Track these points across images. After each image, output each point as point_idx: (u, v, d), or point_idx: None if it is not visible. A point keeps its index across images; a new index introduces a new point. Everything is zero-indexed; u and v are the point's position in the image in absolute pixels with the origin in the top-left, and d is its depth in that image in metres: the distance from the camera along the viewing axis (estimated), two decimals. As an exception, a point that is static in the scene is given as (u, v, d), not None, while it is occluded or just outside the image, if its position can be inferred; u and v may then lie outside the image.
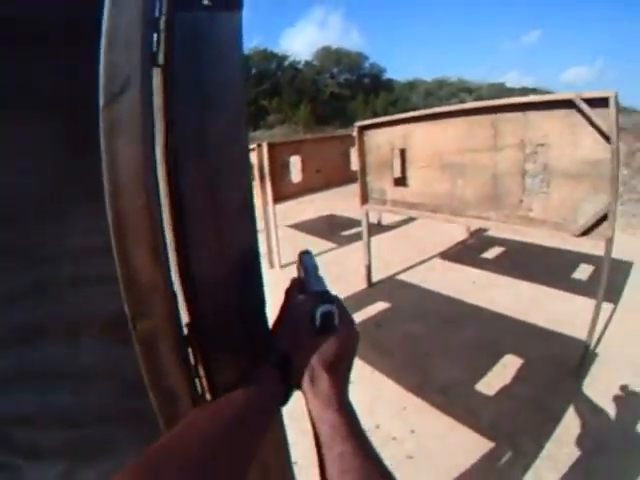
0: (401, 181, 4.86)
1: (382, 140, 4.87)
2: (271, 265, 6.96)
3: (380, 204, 5.13)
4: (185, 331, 0.67)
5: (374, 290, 5.43)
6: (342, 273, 6.12)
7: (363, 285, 5.54)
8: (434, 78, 40.44)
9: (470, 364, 3.57)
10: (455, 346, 3.89)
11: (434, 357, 3.74)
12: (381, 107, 28.68)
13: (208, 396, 0.71)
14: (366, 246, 5.48)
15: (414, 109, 5.72)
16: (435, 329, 4.23)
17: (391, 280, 5.71)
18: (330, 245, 7.85)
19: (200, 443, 0.52)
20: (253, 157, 6.64)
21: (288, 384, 0.67)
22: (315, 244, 8.03)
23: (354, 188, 5.39)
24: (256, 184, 6.74)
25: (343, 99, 30.42)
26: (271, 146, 6.49)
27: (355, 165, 6.06)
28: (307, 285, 0.80)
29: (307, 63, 33.16)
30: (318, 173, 7.24)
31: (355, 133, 5.21)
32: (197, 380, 0.70)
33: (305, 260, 0.88)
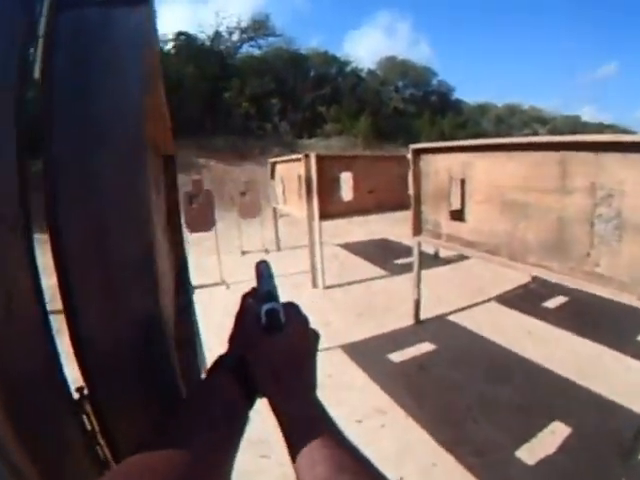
0: (458, 215, 4.75)
1: (440, 167, 4.78)
2: (314, 285, 7.00)
3: (434, 237, 5.04)
4: (76, 396, 0.65)
5: (421, 328, 5.36)
6: (390, 305, 6.08)
7: (410, 321, 5.47)
8: (505, 103, 39.61)
9: (513, 425, 3.42)
10: (499, 403, 3.74)
11: (474, 412, 3.61)
12: (449, 129, 28.20)
13: (113, 464, 0.69)
14: (416, 279, 5.41)
15: (484, 135, 5.65)
16: (480, 380, 4.10)
17: (440, 319, 5.61)
18: (380, 272, 7.81)
19: None
20: (300, 168, 6.72)
21: (248, 386, 0.68)
22: (365, 269, 8.02)
23: (410, 215, 5.39)
24: (302, 196, 6.82)
25: (407, 116, 30.10)
26: (320, 158, 6.54)
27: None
28: (259, 290, 0.83)
29: (370, 72, 33.03)
30: (371, 194, 7.25)
31: (410, 156, 5.15)
32: (98, 448, 0.68)
33: (261, 269, 0.89)
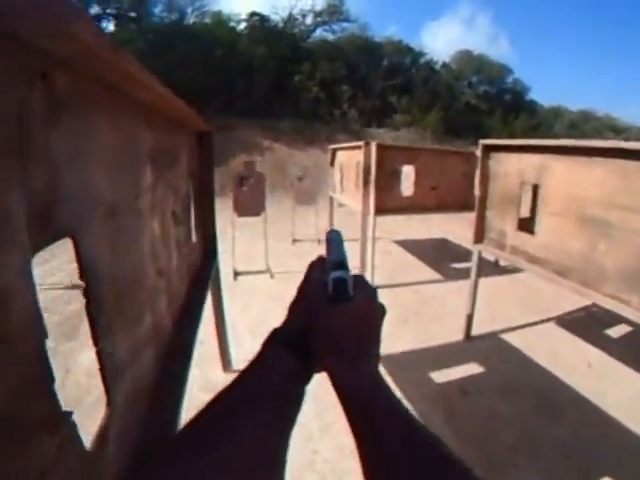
0: (527, 225, 4.24)
1: (512, 168, 4.27)
2: None
3: (497, 247, 4.56)
4: None
5: (470, 346, 4.91)
6: (440, 315, 5.67)
7: (459, 336, 5.04)
8: (580, 109, 37.75)
9: (555, 475, 3.01)
10: (544, 445, 3.30)
11: (516, 453, 3.20)
12: (521, 130, 27.03)
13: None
14: (472, 292, 4.93)
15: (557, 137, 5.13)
16: (528, 414, 3.65)
17: (492, 337, 5.14)
18: (435, 276, 7.36)
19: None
20: (359, 156, 6.35)
21: (306, 359, 0.66)
22: (418, 270, 7.60)
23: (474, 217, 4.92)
24: (359, 187, 6.45)
25: (479, 113, 29.15)
26: (381, 148, 6.15)
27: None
28: (328, 259, 0.79)
29: (444, 65, 32.14)
30: (433, 191, 6.80)
31: (479, 153, 4.67)
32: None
33: (332, 236, 0.85)
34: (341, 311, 0.67)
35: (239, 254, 7.57)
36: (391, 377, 4.10)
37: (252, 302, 5.85)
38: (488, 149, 4.60)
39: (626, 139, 32.68)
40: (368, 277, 6.48)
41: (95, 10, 22.37)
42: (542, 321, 5.66)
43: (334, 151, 9.18)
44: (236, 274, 7.13)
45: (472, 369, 4.39)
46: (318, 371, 0.68)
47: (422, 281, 7.05)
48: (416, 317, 5.65)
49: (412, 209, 6.77)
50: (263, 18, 25.33)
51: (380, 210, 6.26)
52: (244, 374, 0.63)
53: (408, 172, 6.75)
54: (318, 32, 27.97)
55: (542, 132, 28.73)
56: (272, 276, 7.01)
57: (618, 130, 36.08)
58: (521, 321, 5.59)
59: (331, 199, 9.62)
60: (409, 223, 10.85)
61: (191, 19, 24.76)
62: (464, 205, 7.05)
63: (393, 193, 6.40)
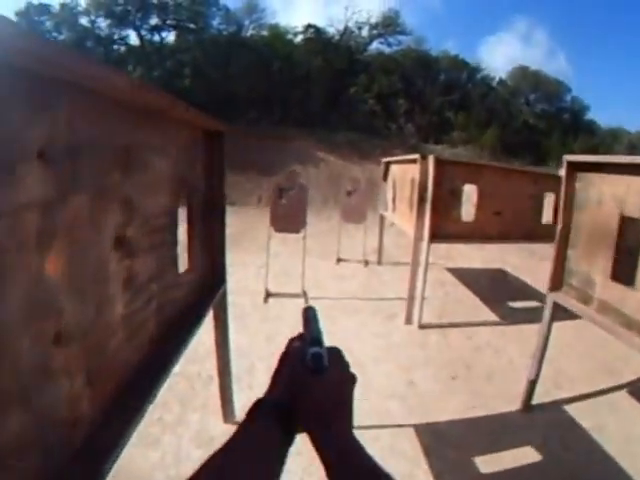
0: (625, 274, 2.97)
1: (607, 194, 3.11)
2: (408, 320, 5.74)
3: (579, 300, 3.35)
4: None
5: (528, 420, 3.78)
6: (495, 370, 4.67)
7: (516, 404, 3.94)
8: (639, 130, 35.58)
9: None
10: None
11: None
12: (580, 151, 25.54)
13: None
14: (539, 354, 3.80)
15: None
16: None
17: (555, 408, 3.99)
18: (490, 316, 6.30)
19: None
20: (414, 171, 5.51)
21: (286, 426, 0.71)
22: (471, 307, 6.62)
23: (540, 248, 3.87)
24: (412, 206, 5.60)
25: (537, 132, 27.76)
26: (440, 163, 5.26)
27: (548, 218, 4.63)
28: (306, 334, 0.85)
29: (501, 81, 30.90)
30: (497, 216, 5.81)
31: (563, 172, 3.56)
32: None
33: (309, 314, 0.91)
34: (318, 382, 0.74)
35: (277, 271, 6.80)
36: (433, 457, 3.20)
37: (279, 332, 5.06)
38: (574, 167, 3.49)
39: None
40: (415, 313, 5.70)
41: (155, 21, 22.46)
42: (614, 388, 4.46)
43: (387, 164, 8.21)
44: (268, 295, 6.36)
45: (527, 455, 3.32)
46: (300, 432, 0.73)
47: (476, 322, 6.04)
48: (467, 372, 4.67)
49: (472, 237, 5.76)
50: (319, 30, 24.90)
51: (435, 236, 5.31)
52: (228, 445, 0.66)
53: (470, 193, 5.80)
54: (374, 45, 27.32)
55: (602, 154, 26.99)
56: (307, 302, 6.16)
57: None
58: (590, 386, 4.41)
59: (382, 217, 8.66)
60: (464, 247, 9.79)
61: (249, 31, 24.56)
62: (529, 234, 6.06)
63: (451, 216, 5.44)
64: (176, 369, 1.95)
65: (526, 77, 30.94)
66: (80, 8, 22.06)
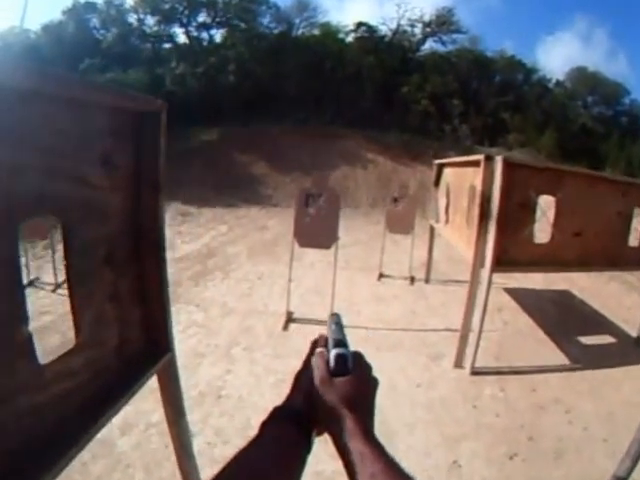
0: None
1: None
2: (457, 363, 4.47)
3: None
4: None
5: None
6: (565, 446, 3.40)
7: None
8: None
9: None
10: None
11: None
12: (637, 157, 23.32)
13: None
14: (636, 449, 2.29)
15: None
16: None
17: None
18: (558, 357, 4.93)
19: None
20: (476, 177, 4.31)
21: (304, 431, 0.71)
22: (537, 345, 5.28)
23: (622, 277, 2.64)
24: (470, 222, 4.36)
25: (595, 136, 25.67)
26: (510, 166, 3.93)
27: (636, 240, 4.34)
28: (330, 337, 0.82)
29: (558, 83, 28.80)
30: (577, 237, 4.43)
31: None
32: None
33: (333, 320, 0.87)
34: (342, 383, 0.71)
35: (307, 287, 5.63)
36: None
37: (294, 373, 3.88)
38: None
39: None
40: (468, 356, 4.45)
41: (203, 18, 21.79)
42: None
43: (440, 167, 6.75)
44: (289, 320, 5.20)
45: None
46: (320, 434, 0.73)
47: (541, 367, 4.67)
48: (529, 447, 3.36)
49: (545, 264, 4.36)
50: (371, 28, 23.57)
51: (500, 262, 3.95)
52: (245, 451, 0.65)
53: (547, 206, 4.44)
54: (428, 45, 25.81)
55: None
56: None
57: None
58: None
59: (432, 229, 7.17)
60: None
61: (299, 30, 23.55)
62: (614, 260, 4.70)
63: (521, 237, 4.10)
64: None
65: (584, 78, 28.89)
66: (127, 6, 21.69)
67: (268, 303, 5.84)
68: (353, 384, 0.72)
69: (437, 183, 6.77)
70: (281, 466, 0.65)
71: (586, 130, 26.38)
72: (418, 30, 25.23)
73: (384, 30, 24.31)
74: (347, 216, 13.19)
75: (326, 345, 0.80)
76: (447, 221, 5.96)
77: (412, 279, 7.16)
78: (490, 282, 4.07)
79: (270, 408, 2.36)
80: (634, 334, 5.48)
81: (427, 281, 7.31)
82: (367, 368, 0.77)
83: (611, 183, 4.94)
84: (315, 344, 0.84)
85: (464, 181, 5.03)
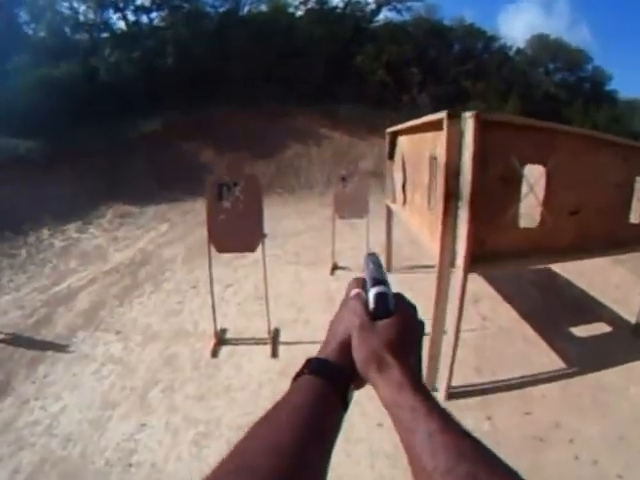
0: None
1: None
2: (429, 385, 3.48)
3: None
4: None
5: None
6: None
7: None
8: None
9: None
10: None
11: None
12: (603, 122, 23.05)
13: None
14: None
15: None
16: None
17: None
18: (551, 359, 4.24)
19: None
20: (436, 142, 3.36)
21: (339, 387, 0.60)
22: (523, 345, 4.51)
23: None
24: (435, 202, 3.40)
25: (558, 102, 25.33)
26: (487, 125, 2.88)
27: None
28: (367, 277, 0.71)
29: (519, 50, 28.36)
30: (574, 217, 3.36)
31: None
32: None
33: (370, 259, 0.76)
34: (384, 326, 0.62)
35: (247, 293, 4.53)
36: None
37: (225, 424, 3.30)
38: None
39: None
40: (441, 376, 3.53)
41: (141, 0, 19.85)
42: None
43: (394, 136, 5.54)
44: (220, 343, 4.16)
45: None
46: (362, 386, 0.64)
47: (532, 377, 3.80)
48: None
49: (536, 254, 3.30)
50: (321, 0, 21.96)
51: (478, 258, 2.88)
52: (279, 405, 0.57)
53: (535, 178, 3.31)
54: (383, 15, 24.52)
55: (624, 125, 24.85)
56: (275, 353, 3.94)
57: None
58: None
59: (389, 210, 5.98)
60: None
61: (246, 7, 21.83)
62: (614, 241, 3.82)
63: (503, 222, 3.00)
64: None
65: (545, 46, 28.63)
66: (55, -7, 19.40)
67: (199, 320, 4.80)
68: (397, 327, 0.62)
69: (391, 155, 5.59)
70: (315, 428, 0.53)
71: (549, 96, 26.04)
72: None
73: (336, 1, 23.03)
74: (301, 198, 12.10)
75: (364, 286, 0.68)
76: (405, 201, 4.78)
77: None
78: (464, 287, 2.95)
79: (188, 478, 2.31)
80: (627, 317, 4.84)
81: (388, 270, 6.00)
82: (411, 308, 0.67)
83: (611, 146, 3.85)
84: (352, 284, 0.71)
85: (423, 150, 3.89)
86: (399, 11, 24.31)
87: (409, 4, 24.21)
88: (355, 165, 6.63)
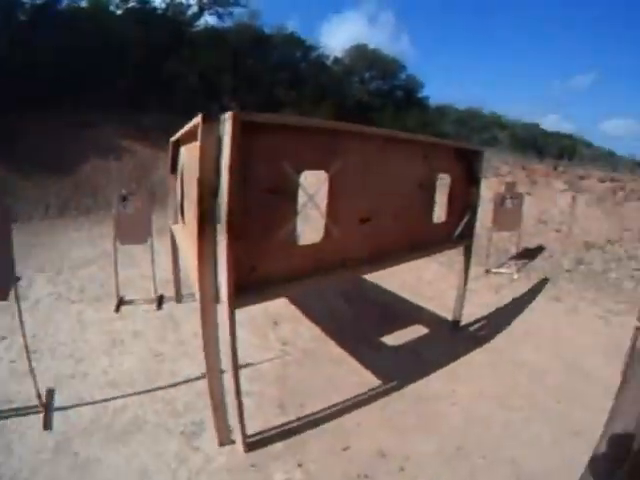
0: None
1: None
2: (222, 439, 2.90)
3: None
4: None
5: None
6: None
7: None
8: (467, 107, 36.87)
9: None
10: None
11: None
12: (413, 127, 24.66)
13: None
14: None
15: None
16: None
17: None
18: (360, 375, 3.86)
19: None
20: (191, 154, 3.06)
21: None
22: (327, 365, 4.11)
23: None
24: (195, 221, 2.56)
25: (371, 109, 26.66)
26: (248, 128, 2.31)
27: (442, 215, 3.88)
28: None
29: (337, 60, 29.29)
30: (365, 225, 2.93)
31: None
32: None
33: None
34: None
35: (22, 347, 3.57)
36: None
37: None
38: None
39: (512, 134, 31.98)
40: (235, 423, 2.85)
41: None
42: None
43: (176, 146, 4.81)
44: None
45: None
46: None
47: (345, 402, 3.48)
48: None
49: (324, 272, 2.85)
50: (143, 0, 20.47)
51: (246, 288, 2.34)
52: None
53: (316, 188, 2.80)
54: (203, 20, 23.49)
55: (434, 129, 27.04)
56: (47, 424, 3.01)
57: (504, 126, 35.72)
58: None
59: (172, 234, 5.11)
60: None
61: (64, 3, 19.28)
62: (419, 245, 3.72)
63: (277, 240, 2.45)
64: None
65: (363, 55, 30.09)
66: None
67: None
68: None
69: (174, 169, 4.77)
70: None
71: (362, 104, 27.09)
72: (194, 1, 22.87)
73: (157, 2, 21.53)
74: (96, 221, 10.20)
75: None
76: (183, 221, 3.99)
77: (160, 300, 5.18)
78: (233, 327, 2.29)
79: None
80: (444, 314, 4.87)
81: (179, 300, 5.31)
82: None
83: (409, 145, 3.51)
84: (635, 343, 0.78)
85: (193, 161, 3.16)
86: (221, 16, 23.45)
87: (231, 9, 23.52)
88: (138, 182, 5.71)
